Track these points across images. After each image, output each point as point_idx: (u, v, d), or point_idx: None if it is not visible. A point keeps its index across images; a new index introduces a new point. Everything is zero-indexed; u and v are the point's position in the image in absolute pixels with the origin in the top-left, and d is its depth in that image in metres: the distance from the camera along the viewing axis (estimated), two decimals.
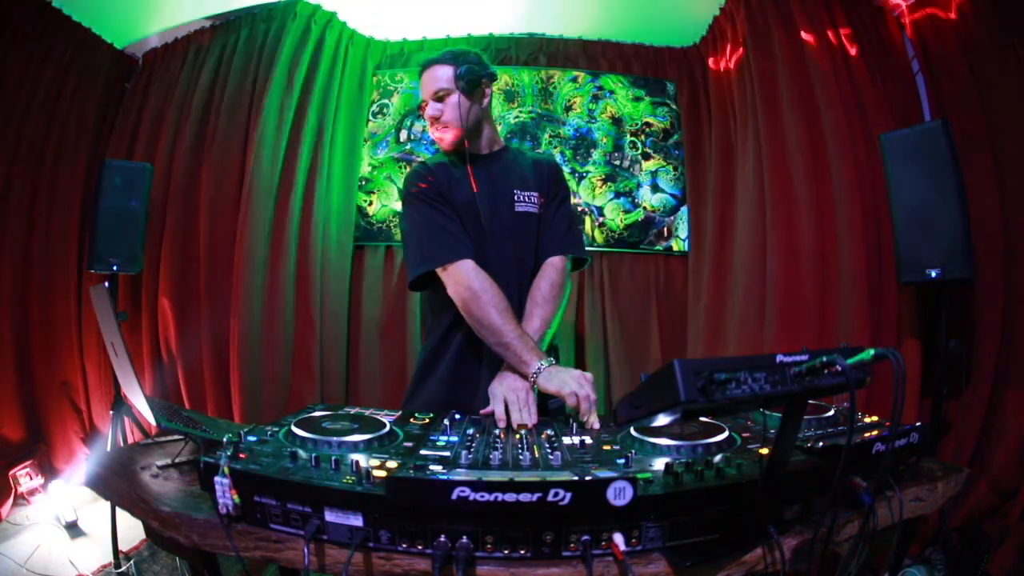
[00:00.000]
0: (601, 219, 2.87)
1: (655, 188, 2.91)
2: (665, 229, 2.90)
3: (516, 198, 1.36)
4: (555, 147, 2.89)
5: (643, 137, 2.92)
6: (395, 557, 0.66)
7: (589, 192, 2.88)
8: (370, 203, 2.88)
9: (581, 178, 2.88)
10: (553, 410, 1.14)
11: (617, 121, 2.92)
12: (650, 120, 2.92)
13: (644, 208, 2.90)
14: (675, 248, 2.90)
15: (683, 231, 2.90)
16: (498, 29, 2.97)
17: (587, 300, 2.86)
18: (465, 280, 1.23)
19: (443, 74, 1.31)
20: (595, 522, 0.65)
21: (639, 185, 2.90)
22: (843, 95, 2.13)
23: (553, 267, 1.35)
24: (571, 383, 1.09)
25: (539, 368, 1.14)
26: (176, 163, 2.71)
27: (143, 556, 2.02)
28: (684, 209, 2.91)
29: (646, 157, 2.92)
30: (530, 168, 1.43)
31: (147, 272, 2.64)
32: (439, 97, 1.31)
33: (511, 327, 1.19)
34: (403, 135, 2.92)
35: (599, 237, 2.86)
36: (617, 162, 2.90)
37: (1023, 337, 1.89)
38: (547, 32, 2.99)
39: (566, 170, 2.80)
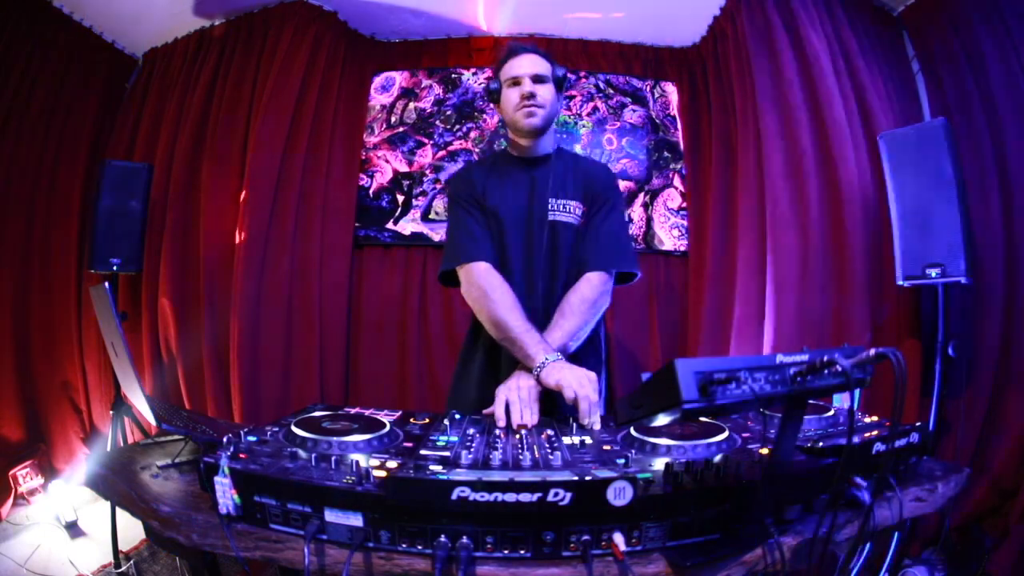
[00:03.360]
0: None
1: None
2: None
3: (551, 206, 1.36)
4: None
5: (621, 139, 2.95)
6: (395, 557, 0.66)
7: None
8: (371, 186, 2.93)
9: None
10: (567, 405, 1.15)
11: (600, 122, 2.94)
12: (628, 123, 2.95)
13: None
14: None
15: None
16: (499, 30, 2.97)
17: None
18: (475, 279, 1.28)
19: (543, 63, 1.36)
20: (595, 522, 0.65)
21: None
22: (843, 95, 2.13)
23: (588, 282, 1.32)
24: (572, 380, 1.09)
25: (544, 362, 1.15)
26: (176, 163, 2.71)
27: (143, 556, 2.02)
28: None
29: (623, 153, 2.94)
30: (577, 175, 1.41)
31: (147, 272, 2.64)
32: (538, 79, 1.34)
33: (517, 322, 1.21)
34: (393, 118, 2.95)
35: None
36: (600, 157, 2.92)
37: (1023, 337, 1.89)
38: (547, 32, 2.99)
39: None
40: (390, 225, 2.89)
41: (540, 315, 1.31)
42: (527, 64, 1.34)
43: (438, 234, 2.84)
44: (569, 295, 1.31)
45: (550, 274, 1.36)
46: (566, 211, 1.37)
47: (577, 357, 1.29)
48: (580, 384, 1.08)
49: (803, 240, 2.17)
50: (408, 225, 2.87)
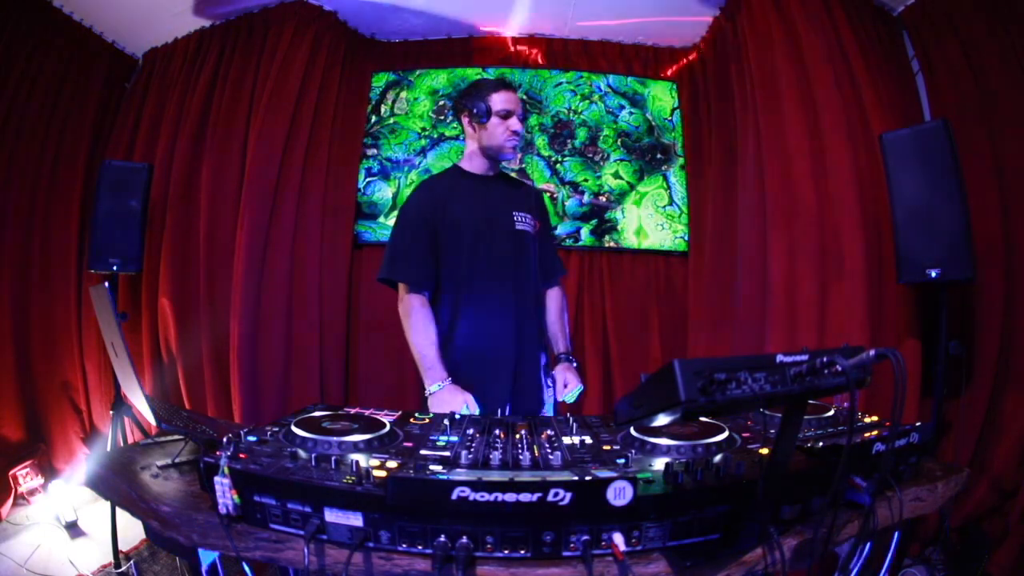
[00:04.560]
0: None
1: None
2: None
3: (516, 218, 1.57)
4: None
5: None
6: (395, 557, 0.66)
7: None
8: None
9: (557, 163, 2.93)
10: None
11: (597, 120, 2.95)
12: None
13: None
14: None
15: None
16: (499, 30, 2.97)
17: (587, 300, 2.86)
18: (404, 302, 1.50)
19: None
20: (595, 522, 0.65)
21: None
22: (843, 95, 2.13)
23: (556, 298, 1.70)
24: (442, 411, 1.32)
25: (430, 392, 1.40)
26: (176, 163, 2.71)
27: (143, 556, 2.02)
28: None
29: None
30: (527, 194, 1.67)
31: (147, 272, 2.64)
32: (523, 119, 1.55)
33: (424, 349, 1.44)
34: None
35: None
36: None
37: (1023, 337, 1.89)
38: (547, 32, 2.99)
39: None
40: (381, 219, 2.89)
41: (512, 308, 1.51)
42: (517, 102, 1.53)
43: None
44: (553, 315, 1.68)
45: (518, 274, 1.55)
46: (525, 222, 1.59)
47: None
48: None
49: (803, 240, 2.17)
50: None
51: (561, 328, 1.67)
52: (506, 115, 1.49)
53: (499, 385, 1.48)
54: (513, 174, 2.79)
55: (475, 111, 1.51)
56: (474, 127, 1.54)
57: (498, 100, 1.50)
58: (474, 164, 1.59)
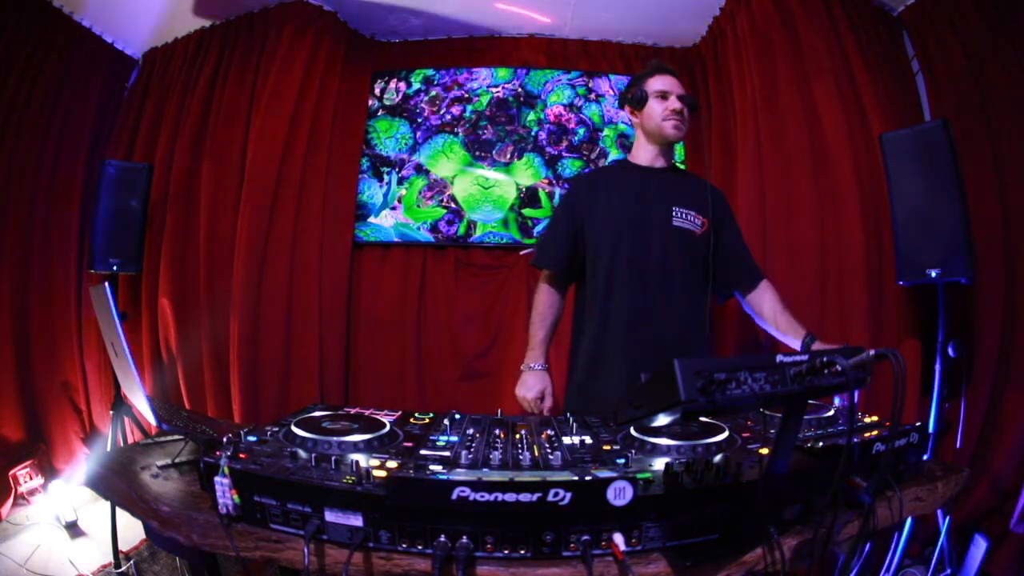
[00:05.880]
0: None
1: None
2: None
3: (675, 213, 1.49)
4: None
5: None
6: (395, 557, 0.66)
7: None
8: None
9: (555, 160, 2.91)
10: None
11: (597, 120, 2.95)
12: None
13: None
14: None
15: None
16: (499, 30, 2.97)
17: None
18: (539, 285, 1.57)
19: (683, 87, 1.53)
20: (595, 522, 0.65)
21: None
22: (843, 95, 2.13)
23: (767, 294, 1.53)
24: (520, 389, 1.51)
25: (523, 368, 1.52)
26: (176, 163, 2.71)
27: (143, 556, 2.02)
28: None
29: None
30: (690, 187, 1.57)
31: (147, 272, 2.64)
32: (683, 99, 1.51)
33: (534, 330, 1.53)
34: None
35: None
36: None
37: (1023, 337, 1.89)
38: (548, 32, 2.99)
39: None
40: (372, 219, 2.87)
41: (651, 310, 1.44)
42: (675, 84, 1.51)
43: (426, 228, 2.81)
44: (772, 309, 1.50)
45: (667, 274, 1.47)
46: (688, 220, 1.50)
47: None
48: (522, 393, 1.50)
49: (803, 240, 2.17)
50: (390, 217, 2.85)
51: (788, 321, 1.46)
52: (663, 96, 1.49)
53: (619, 384, 1.40)
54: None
55: (634, 99, 1.51)
56: (636, 115, 1.54)
57: (654, 83, 1.50)
58: (639, 155, 1.57)
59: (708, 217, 1.51)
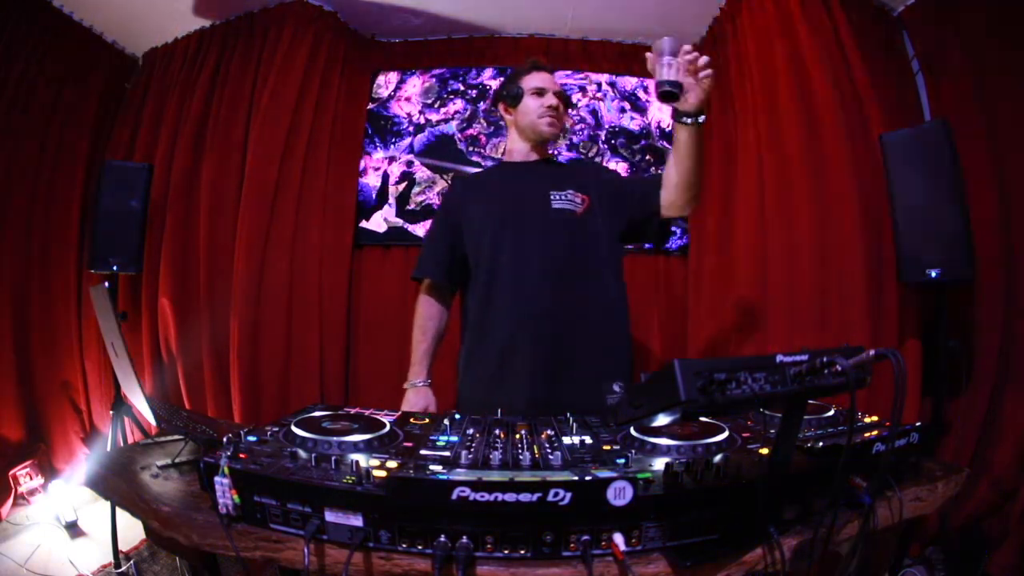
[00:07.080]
0: None
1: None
2: None
3: (552, 197, 1.43)
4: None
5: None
6: (395, 557, 0.66)
7: None
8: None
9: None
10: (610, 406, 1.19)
11: (597, 120, 2.95)
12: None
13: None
14: None
15: None
16: (499, 30, 2.97)
17: None
18: (418, 297, 1.55)
19: (559, 84, 1.53)
20: (595, 522, 0.65)
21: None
22: (843, 95, 2.13)
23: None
24: (404, 407, 1.45)
25: (406, 385, 1.49)
26: (176, 163, 2.71)
27: (143, 556, 2.02)
28: None
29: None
30: (565, 171, 1.56)
31: (147, 272, 2.64)
32: (559, 95, 1.49)
33: (415, 344, 1.52)
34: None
35: None
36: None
37: (1023, 337, 1.89)
38: (548, 32, 2.99)
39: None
40: (372, 219, 2.86)
41: (548, 297, 1.36)
42: (551, 81, 1.50)
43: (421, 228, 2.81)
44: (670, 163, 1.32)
45: (556, 257, 1.38)
46: (565, 200, 1.43)
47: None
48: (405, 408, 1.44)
49: (803, 240, 2.17)
50: (389, 217, 2.85)
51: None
52: (539, 92, 1.45)
53: (521, 383, 1.33)
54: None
55: (509, 95, 1.48)
56: (511, 112, 1.50)
57: (531, 80, 1.48)
58: (513, 153, 1.53)
59: (588, 194, 1.43)
